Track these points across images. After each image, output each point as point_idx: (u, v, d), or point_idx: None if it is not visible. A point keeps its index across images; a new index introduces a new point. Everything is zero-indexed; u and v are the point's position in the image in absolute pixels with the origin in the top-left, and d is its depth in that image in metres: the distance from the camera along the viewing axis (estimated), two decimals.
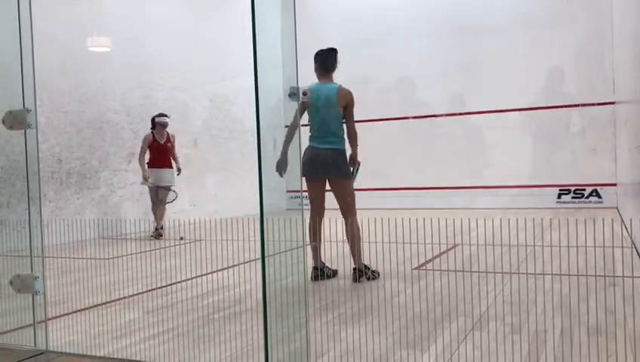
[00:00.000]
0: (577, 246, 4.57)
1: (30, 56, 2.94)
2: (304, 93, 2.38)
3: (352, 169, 4.64)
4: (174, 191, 8.02)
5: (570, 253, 4.70)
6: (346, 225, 4.43)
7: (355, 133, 4.57)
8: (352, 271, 4.40)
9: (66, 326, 3.38)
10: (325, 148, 4.46)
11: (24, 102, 2.95)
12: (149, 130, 7.98)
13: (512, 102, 10.08)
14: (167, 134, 8.01)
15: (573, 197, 9.79)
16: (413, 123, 10.91)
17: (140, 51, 8.86)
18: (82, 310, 3.79)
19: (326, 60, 4.56)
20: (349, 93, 4.51)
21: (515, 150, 10.10)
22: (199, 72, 9.78)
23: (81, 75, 7.98)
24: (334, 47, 4.61)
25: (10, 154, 4.97)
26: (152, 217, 7.98)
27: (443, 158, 10.55)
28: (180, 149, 9.45)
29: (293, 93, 2.35)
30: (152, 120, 8.02)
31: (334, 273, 4.57)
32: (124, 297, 4.13)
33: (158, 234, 7.71)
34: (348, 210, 4.46)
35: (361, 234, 4.43)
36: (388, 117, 10.78)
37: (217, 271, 4.78)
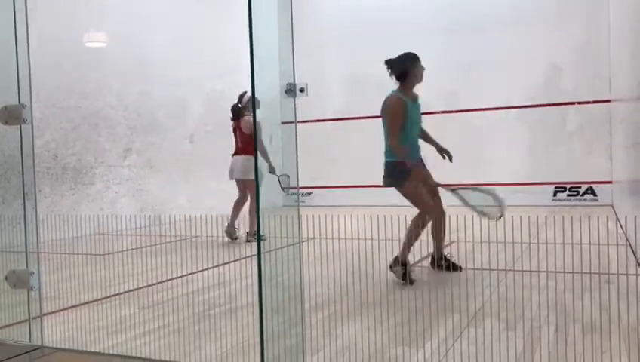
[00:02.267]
0: (572, 244, 4.59)
1: (26, 51, 2.93)
2: (301, 90, 2.37)
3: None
4: None
5: (565, 251, 4.72)
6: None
7: (397, 147, 4.26)
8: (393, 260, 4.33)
9: (61, 321, 3.38)
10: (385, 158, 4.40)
11: (19, 97, 2.94)
12: (232, 121, 6.83)
13: (509, 100, 10.07)
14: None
15: (568, 195, 9.80)
16: None
17: (137, 46, 8.82)
18: (78, 306, 3.78)
19: (393, 67, 4.41)
20: (388, 103, 4.29)
21: (511, 147, 10.10)
22: (196, 67, 9.73)
23: (77, 70, 7.94)
24: (412, 52, 4.45)
25: (5, 150, 4.95)
26: (226, 216, 6.91)
27: (439, 156, 10.52)
28: (177, 146, 9.48)
29: (289, 90, 2.35)
30: (239, 110, 6.66)
31: (457, 267, 4.39)
32: (120, 293, 4.13)
33: (254, 234, 6.49)
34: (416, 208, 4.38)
35: (418, 233, 4.35)
36: None
37: (213, 267, 4.78)
